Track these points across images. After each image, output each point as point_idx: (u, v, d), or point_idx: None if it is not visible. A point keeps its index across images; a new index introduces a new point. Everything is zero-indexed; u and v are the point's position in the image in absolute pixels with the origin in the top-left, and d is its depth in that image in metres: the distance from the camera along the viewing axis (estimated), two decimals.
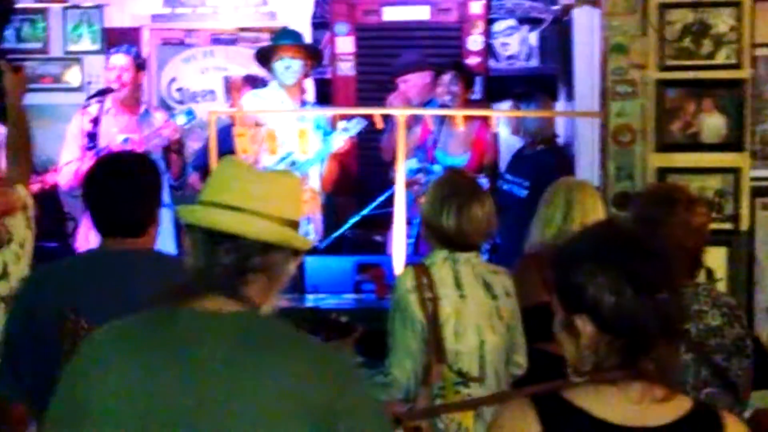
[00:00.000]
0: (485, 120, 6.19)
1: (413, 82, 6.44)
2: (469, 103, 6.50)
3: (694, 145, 4.88)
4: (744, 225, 4.88)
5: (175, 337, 2.01)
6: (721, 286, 4.33)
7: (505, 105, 7.13)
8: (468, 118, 5.89)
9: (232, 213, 2.05)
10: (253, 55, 6.24)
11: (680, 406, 2.07)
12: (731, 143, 4.86)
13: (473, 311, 3.68)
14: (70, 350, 2.60)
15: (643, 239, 2.13)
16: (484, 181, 5.88)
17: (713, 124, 4.87)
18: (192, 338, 1.99)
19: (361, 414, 2.01)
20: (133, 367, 1.98)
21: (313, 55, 6.14)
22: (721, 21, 4.84)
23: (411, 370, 3.58)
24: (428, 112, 6.09)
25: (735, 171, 4.86)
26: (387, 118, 5.91)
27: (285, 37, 6.16)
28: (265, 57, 6.02)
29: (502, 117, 6.41)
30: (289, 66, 5.93)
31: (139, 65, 6.16)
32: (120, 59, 6.06)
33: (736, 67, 4.83)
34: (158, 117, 6.15)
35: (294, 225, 2.12)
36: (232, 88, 6.38)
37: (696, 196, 3.78)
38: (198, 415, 1.93)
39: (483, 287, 3.73)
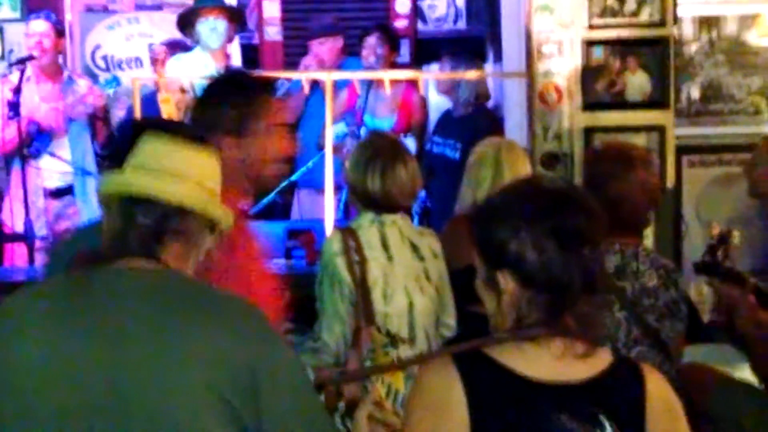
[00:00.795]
0: (413, 82, 6.16)
1: (328, 46, 6.39)
2: (395, 66, 6.47)
3: (620, 103, 4.91)
4: (670, 182, 4.93)
5: (93, 298, 1.97)
6: (648, 244, 4.37)
7: (434, 67, 7.10)
8: (395, 81, 5.86)
9: (148, 175, 2.03)
10: (176, 21, 6.14)
11: (601, 360, 2.08)
12: (656, 101, 4.90)
13: (401, 273, 3.68)
14: None
15: (567, 193, 2.12)
16: (410, 142, 5.87)
17: (638, 82, 4.90)
18: (111, 298, 1.96)
19: (282, 373, 1.99)
20: (52, 332, 1.94)
21: (236, 17, 6.08)
22: None
23: (340, 334, 3.58)
24: (357, 75, 6.06)
25: (660, 129, 4.90)
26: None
27: None
28: (187, 20, 5.93)
29: (431, 79, 6.37)
30: (214, 27, 5.87)
31: (60, 31, 6.04)
32: (39, 25, 5.94)
33: (660, 25, 4.87)
34: (82, 84, 6.05)
35: (212, 193, 2.10)
36: (156, 55, 6.27)
37: (651, 156, 3.82)
38: (121, 377, 1.90)
39: (410, 249, 3.73)
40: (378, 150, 3.70)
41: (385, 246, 3.68)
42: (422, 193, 5.97)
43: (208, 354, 1.91)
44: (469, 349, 2.09)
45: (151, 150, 2.08)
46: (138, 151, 2.09)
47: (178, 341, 1.92)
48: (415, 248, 3.75)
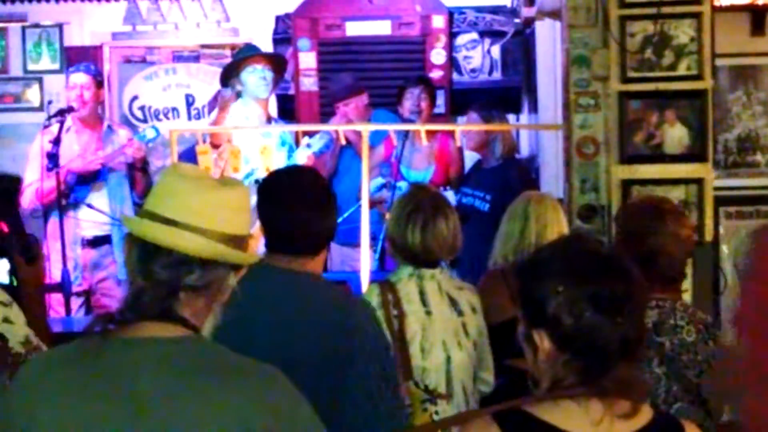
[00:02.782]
0: (449, 133, 6.18)
1: (354, 105, 6.42)
2: (431, 118, 6.49)
3: (658, 156, 4.89)
4: (708, 235, 4.89)
5: (110, 368, 1.94)
6: (687, 297, 4.33)
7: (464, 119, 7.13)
8: (432, 133, 5.88)
9: (166, 227, 1.99)
10: (221, 70, 6.17)
11: (642, 416, 2.07)
12: (694, 154, 4.87)
13: (439, 328, 3.66)
14: None
15: (607, 258, 2.12)
16: (450, 194, 5.87)
17: (676, 135, 4.88)
18: (127, 368, 1.93)
19: None
20: (67, 402, 1.93)
21: (280, 67, 6.13)
22: (682, 32, 4.86)
23: None
24: (394, 127, 6.08)
25: (698, 181, 4.87)
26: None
27: (255, 49, 6.15)
28: (234, 70, 5.96)
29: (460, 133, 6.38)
30: (263, 76, 5.90)
31: (99, 83, 6.12)
32: (80, 77, 6.02)
33: (698, 77, 4.85)
34: (122, 134, 6.12)
35: (235, 239, 2.05)
36: (225, 99, 6.21)
37: (682, 208, 3.80)
38: None
39: (449, 304, 3.72)
40: (419, 203, 3.69)
41: (423, 300, 3.67)
42: None
43: (225, 420, 1.88)
44: (508, 408, 2.08)
45: (171, 188, 2.04)
46: (158, 188, 2.07)
47: (195, 409, 1.89)
48: (453, 303, 3.73)
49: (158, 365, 1.93)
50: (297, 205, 2.84)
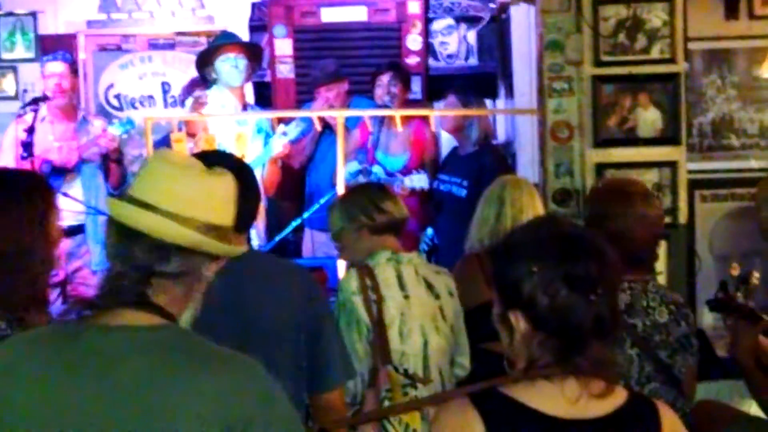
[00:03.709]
0: (425, 119, 6.19)
1: (336, 91, 6.42)
2: (408, 103, 6.50)
3: (631, 139, 4.92)
4: (682, 218, 4.92)
5: (87, 354, 1.93)
6: (661, 280, 4.36)
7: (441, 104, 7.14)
8: (407, 118, 5.88)
9: (144, 211, 1.97)
10: (196, 58, 6.17)
11: (616, 397, 2.09)
12: (667, 137, 4.90)
13: (417, 312, 3.68)
14: None
15: (581, 238, 2.13)
16: (423, 177, 5.87)
17: (649, 118, 4.90)
18: (105, 355, 1.92)
19: (277, 427, 1.96)
20: (45, 387, 1.92)
21: (255, 55, 6.12)
22: (655, 16, 4.88)
23: (357, 373, 3.56)
24: (369, 113, 6.08)
25: (672, 164, 4.90)
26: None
27: (228, 36, 6.14)
28: (207, 58, 5.96)
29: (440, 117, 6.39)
30: (235, 65, 5.92)
31: (75, 71, 6.09)
32: (57, 66, 5.99)
33: (671, 61, 4.88)
34: (96, 125, 6.08)
35: (217, 229, 2.03)
36: (200, 101, 6.21)
37: (650, 190, 3.82)
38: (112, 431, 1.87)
39: (426, 287, 3.73)
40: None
41: (401, 284, 3.69)
42: (430, 231, 5.99)
43: (200, 409, 1.88)
44: (485, 388, 2.10)
45: (157, 175, 2.03)
46: (143, 172, 2.05)
47: (173, 397, 1.88)
48: (430, 287, 3.75)
49: (135, 353, 1.92)
50: None
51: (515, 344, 2.11)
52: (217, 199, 2.05)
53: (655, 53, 4.88)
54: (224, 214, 2.06)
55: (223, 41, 6.05)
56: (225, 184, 2.08)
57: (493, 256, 2.21)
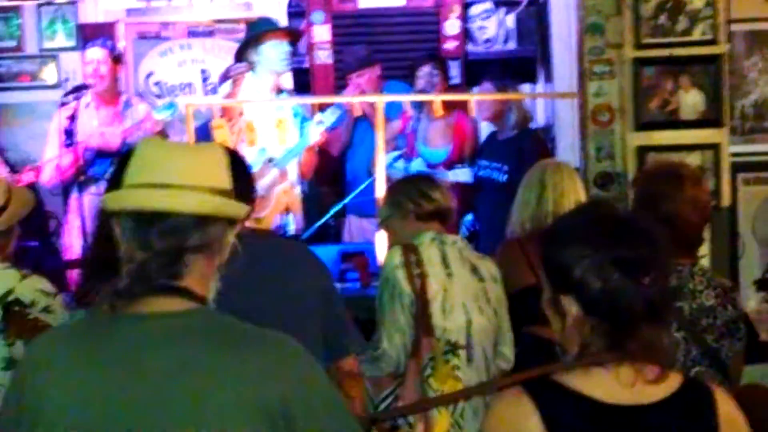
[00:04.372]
0: (465, 107, 6.17)
1: (367, 76, 6.42)
2: (447, 89, 6.49)
3: (673, 122, 4.88)
4: (725, 201, 4.89)
5: (119, 344, 1.94)
6: (704, 263, 4.34)
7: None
8: (448, 108, 5.87)
9: (159, 190, 1.95)
10: (241, 42, 6.14)
11: (671, 382, 2.08)
12: (710, 119, 4.87)
13: (460, 290, 3.72)
14: None
15: (632, 221, 2.13)
16: (466, 171, 5.88)
17: (691, 100, 4.87)
18: (137, 344, 1.92)
19: (320, 409, 1.97)
20: (80, 378, 1.93)
21: (296, 41, 6.13)
22: None
23: (400, 344, 3.64)
24: (408, 98, 6.08)
25: (714, 147, 4.87)
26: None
27: (275, 22, 6.14)
28: (252, 43, 5.94)
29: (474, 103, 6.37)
30: (286, 51, 5.89)
31: (116, 58, 6.14)
32: (96, 53, 6.04)
33: (712, 42, 4.84)
34: (140, 109, 6.14)
35: (224, 193, 2.02)
36: (236, 74, 6.22)
37: (700, 173, 3.79)
38: (152, 423, 1.88)
39: (470, 269, 3.76)
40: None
41: (445, 263, 3.72)
42: (470, 217, 5.98)
43: (237, 393, 1.88)
44: (537, 376, 2.10)
45: (150, 158, 2.00)
46: (136, 160, 2.01)
47: (208, 382, 1.89)
48: (474, 269, 3.77)
49: (168, 340, 1.93)
50: None
51: (567, 329, 2.11)
52: (214, 165, 2.03)
53: (696, 35, 4.85)
54: (225, 178, 2.04)
55: (271, 27, 6.03)
56: (216, 152, 2.07)
57: (542, 240, 2.20)
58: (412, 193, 3.86)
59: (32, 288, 3.11)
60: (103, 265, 1.97)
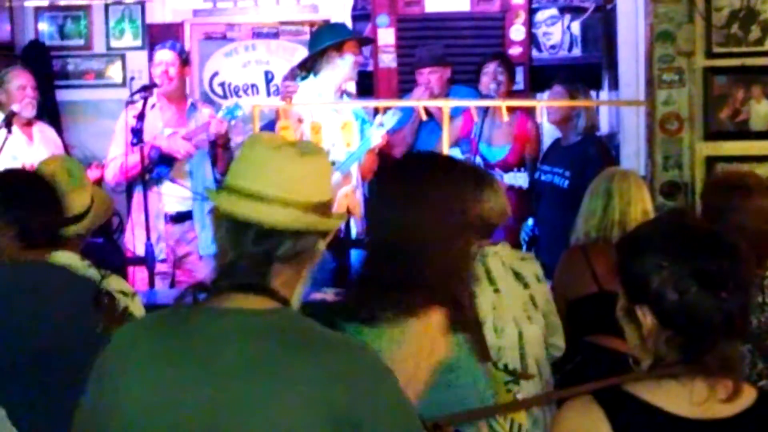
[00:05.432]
0: (528, 111, 6.14)
1: (439, 75, 6.41)
2: (511, 94, 6.46)
3: (743, 132, 4.83)
4: None
5: (196, 337, 1.96)
6: None
7: (547, 94, 7.08)
8: (510, 110, 5.84)
9: (252, 202, 1.98)
10: (315, 52, 6.06)
11: (745, 397, 2.05)
12: None
13: (509, 304, 3.65)
14: None
15: (712, 233, 2.09)
16: (523, 176, 5.84)
17: (762, 111, 4.82)
18: (213, 339, 1.95)
19: (387, 417, 1.96)
20: (157, 369, 1.96)
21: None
22: None
23: None
24: (474, 103, 6.05)
25: None
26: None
27: (349, 31, 6.14)
28: (322, 54, 5.90)
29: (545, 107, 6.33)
30: (357, 61, 5.90)
31: (185, 60, 6.17)
32: (165, 54, 6.08)
33: None
34: (205, 112, 6.16)
35: (321, 207, 2.04)
36: (288, 91, 6.25)
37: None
38: (221, 417, 1.89)
39: (514, 278, 3.70)
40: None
41: (490, 279, 3.66)
42: (530, 221, 5.94)
43: (306, 394, 1.89)
44: (608, 387, 2.07)
45: (254, 161, 2.03)
46: (241, 160, 2.06)
47: (277, 381, 1.90)
48: (518, 276, 3.72)
49: (244, 337, 1.94)
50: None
51: (642, 340, 2.08)
52: (314, 176, 2.05)
53: None
54: (324, 189, 2.08)
55: (346, 36, 6.02)
56: (319, 161, 2.08)
57: (619, 248, 2.18)
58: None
59: (112, 288, 3.15)
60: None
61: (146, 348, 2.00)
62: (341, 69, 5.86)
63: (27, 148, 6.07)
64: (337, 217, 2.13)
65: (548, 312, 3.77)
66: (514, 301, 3.66)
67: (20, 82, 6.13)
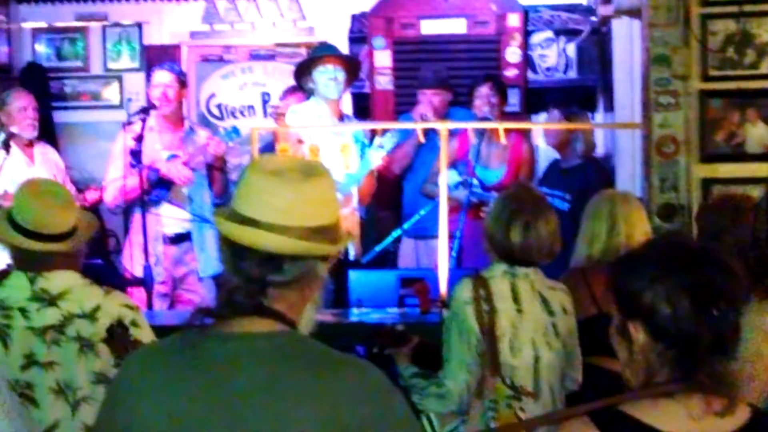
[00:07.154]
0: (523, 133, 6.17)
1: (440, 98, 6.45)
2: (505, 116, 6.49)
3: (739, 155, 4.86)
4: None
5: (207, 362, 1.98)
6: None
7: (543, 116, 7.12)
8: (505, 132, 5.87)
9: (249, 228, 1.99)
10: (294, 69, 6.22)
11: (741, 414, 2.06)
12: None
13: (529, 327, 3.66)
14: None
15: (706, 250, 2.12)
16: None
17: (757, 134, 4.85)
18: (224, 363, 1.97)
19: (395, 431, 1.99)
20: (168, 395, 1.97)
21: (353, 68, 6.14)
22: (764, 30, 4.85)
23: (465, 382, 3.56)
24: (472, 125, 6.09)
25: None
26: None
27: (327, 48, 6.18)
28: (306, 69, 5.99)
29: (542, 130, 6.38)
30: (334, 77, 5.89)
31: (182, 82, 6.19)
32: (164, 76, 6.10)
33: None
34: (202, 135, 6.17)
35: (322, 230, 2.04)
36: (278, 116, 6.34)
37: (763, 206, 3.77)
38: None
39: (540, 303, 3.71)
40: (523, 203, 3.70)
41: (515, 298, 3.66)
42: None
43: (320, 414, 1.90)
44: (603, 407, 2.09)
45: (253, 187, 2.04)
46: (242, 185, 2.06)
47: (290, 403, 1.91)
48: (545, 302, 3.71)
49: (254, 360, 1.96)
50: None
51: (633, 357, 2.10)
52: (316, 201, 2.04)
53: (764, 68, 4.84)
54: (326, 213, 2.07)
55: (322, 53, 6.07)
56: (322, 185, 2.07)
57: (613, 266, 2.20)
58: None
59: (118, 303, 3.18)
60: None
61: (157, 375, 2.02)
62: (320, 84, 5.90)
63: (27, 169, 6.08)
64: (341, 239, 2.12)
65: (570, 344, 3.78)
66: (535, 325, 3.66)
67: (21, 104, 6.15)
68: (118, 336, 3.04)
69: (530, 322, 3.66)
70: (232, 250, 2.02)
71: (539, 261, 3.72)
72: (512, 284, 3.67)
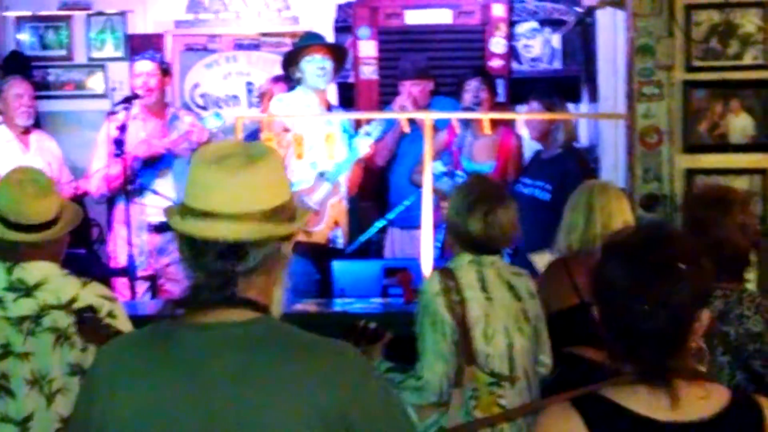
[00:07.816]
0: (510, 124, 6.16)
1: (422, 87, 6.45)
2: (493, 108, 6.49)
3: (722, 145, 4.88)
4: None
5: (182, 352, 1.97)
6: (751, 287, 4.32)
7: (524, 108, 7.12)
8: (493, 124, 5.87)
9: (204, 221, 1.96)
10: (282, 59, 6.21)
11: (720, 399, 2.07)
12: (759, 144, 4.86)
13: (500, 313, 3.69)
14: None
15: (661, 230, 2.16)
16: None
17: (741, 124, 4.87)
18: (199, 353, 1.96)
19: (376, 411, 1.99)
20: (143, 386, 1.97)
21: (341, 57, 6.14)
22: (748, 21, 4.85)
23: (442, 373, 3.58)
24: (456, 116, 6.09)
25: (763, 172, 4.86)
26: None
27: (315, 37, 6.17)
28: (293, 59, 5.99)
29: (525, 121, 6.37)
30: (322, 66, 5.90)
31: (165, 70, 6.19)
32: (145, 65, 6.09)
33: (764, 67, 4.84)
34: (187, 120, 6.17)
35: (278, 211, 2.01)
36: (263, 96, 6.35)
37: (747, 198, 3.80)
38: (216, 428, 1.91)
39: (508, 290, 3.74)
40: (482, 193, 3.73)
41: (483, 286, 3.69)
42: None
43: (295, 401, 1.91)
44: (584, 393, 2.10)
45: (200, 182, 2.00)
46: (190, 179, 2.02)
47: (267, 390, 1.92)
48: (512, 288, 3.75)
49: (229, 349, 1.96)
50: None
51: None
52: (265, 183, 2.02)
53: (748, 59, 4.85)
54: (278, 192, 2.04)
55: (309, 42, 6.07)
56: (268, 165, 2.04)
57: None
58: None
59: (95, 294, 3.18)
60: None
61: (132, 366, 2.01)
62: (308, 73, 5.90)
63: (22, 156, 6.09)
64: (300, 216, 2.09)
65: (539, 328, 3.80)
66: (506, 312, 3.69)
67: (17, 91, 6.18)
68: (88, 320, 3.03)
69: (501, 309, 3.68)
70: (192, 246, 1.98)
71: (502, 248, 3.78)
72: (479, 273, 3.70)
